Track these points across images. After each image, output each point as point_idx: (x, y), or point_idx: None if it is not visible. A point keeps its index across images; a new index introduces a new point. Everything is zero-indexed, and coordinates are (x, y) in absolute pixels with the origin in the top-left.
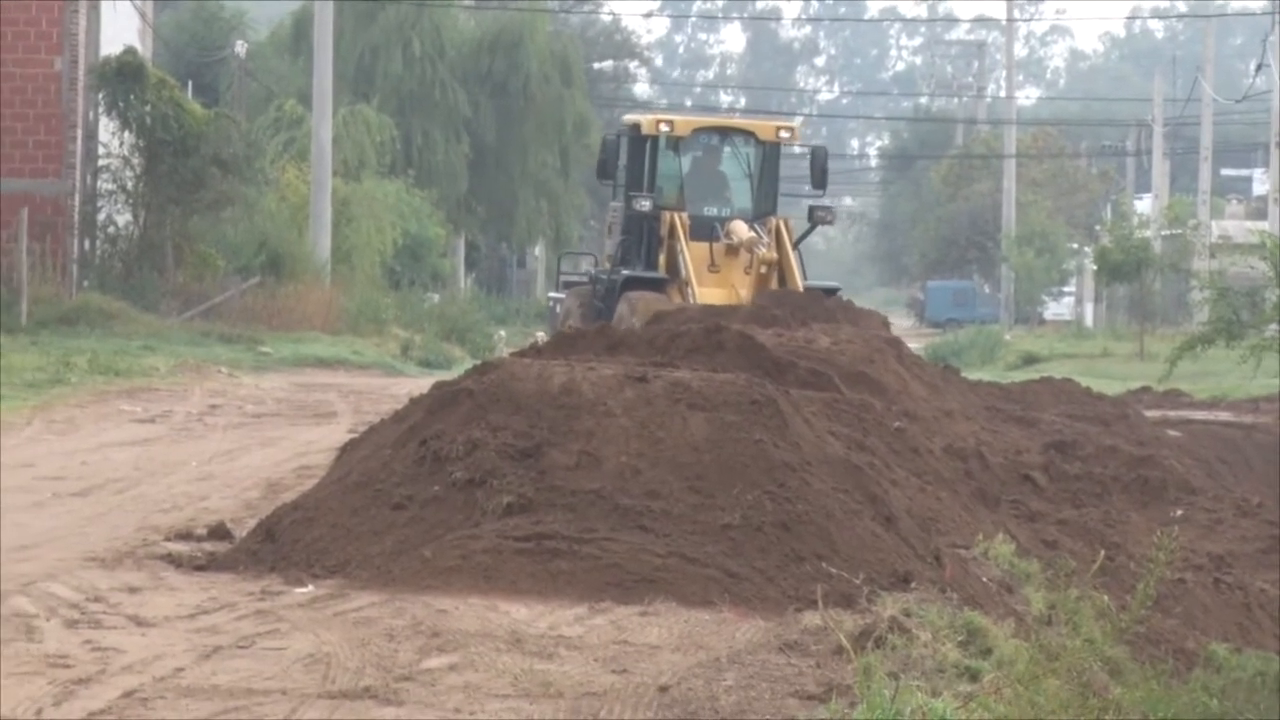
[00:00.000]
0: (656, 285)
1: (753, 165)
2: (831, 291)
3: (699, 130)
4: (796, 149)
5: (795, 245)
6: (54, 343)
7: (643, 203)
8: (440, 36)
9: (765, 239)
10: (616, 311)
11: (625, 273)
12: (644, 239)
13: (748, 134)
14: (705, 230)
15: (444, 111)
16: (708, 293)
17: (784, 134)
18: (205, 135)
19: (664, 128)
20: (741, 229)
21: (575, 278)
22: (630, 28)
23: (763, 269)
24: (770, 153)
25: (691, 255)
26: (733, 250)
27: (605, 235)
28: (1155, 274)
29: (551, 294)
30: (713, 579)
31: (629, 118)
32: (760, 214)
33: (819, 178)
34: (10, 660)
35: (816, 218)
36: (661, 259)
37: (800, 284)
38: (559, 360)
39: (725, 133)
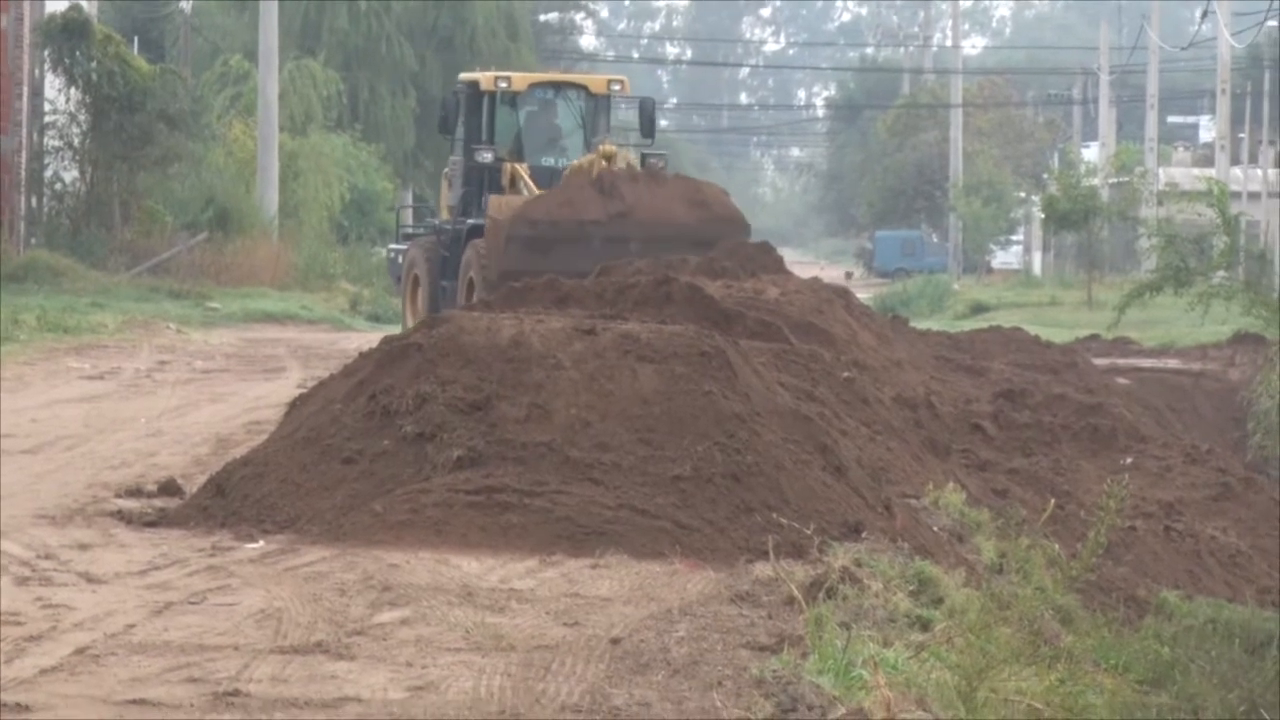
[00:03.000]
0: None
1: (586, 117)
2: None
3: (534, 85)
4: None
5: None
6: (2, 300)
7: (484, 155)
8: None
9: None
10: (463, 258)
11: (470, 221)
12: (485, 189)
13: (580, 87)
14: (544, 180)
15: (390, 66)
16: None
17: (615, 86)
18: (151, 91)
19: (501, 84)
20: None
21: (416, 230)
22: None
23: (604, 162)
24: (602, 105)
25: None
26: None
27: (444, 188)
28: (1103, 222)
29: (391, 246)
30: (663, 531)
31: (466, 75)
32: None
33: (647, 127)
34: None
35: (648, 166)
36: None
37: None
38: (508, 314)
39: (559, 87)
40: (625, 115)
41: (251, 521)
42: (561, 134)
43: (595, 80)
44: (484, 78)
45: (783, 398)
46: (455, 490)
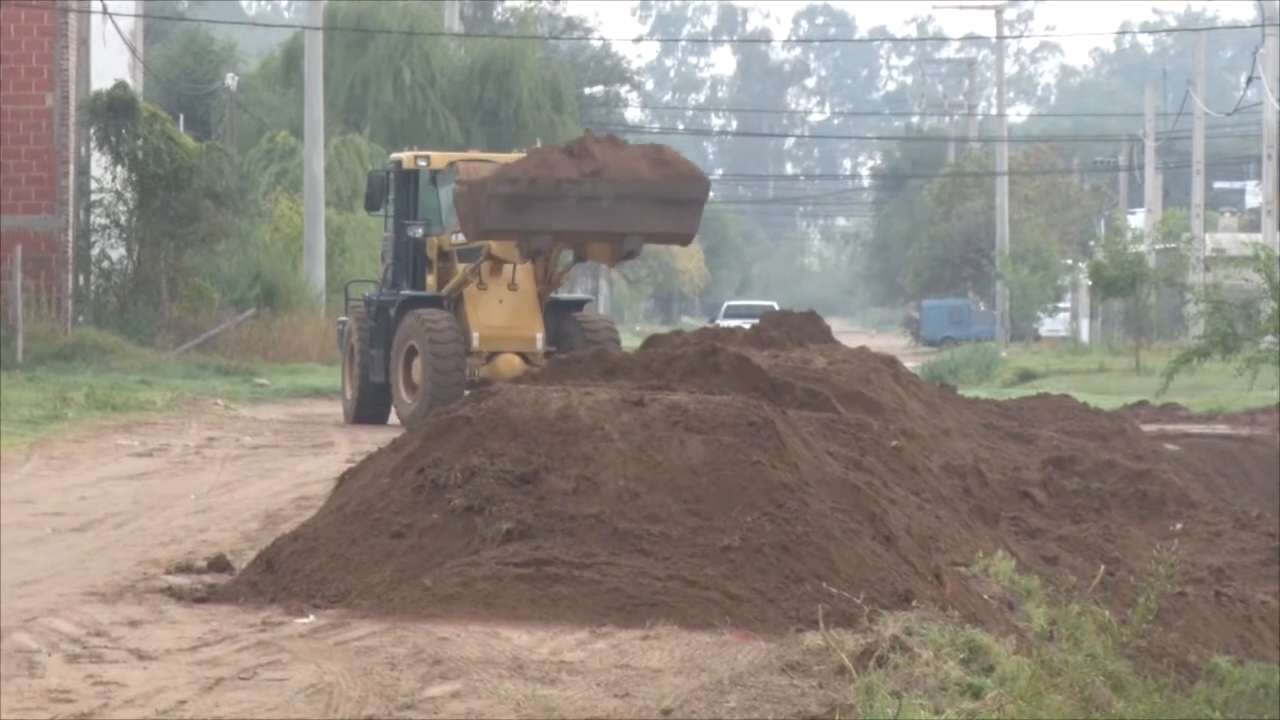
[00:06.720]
0: (434, 303)
1: None
2: (580, 304)
3: (452, 163)
4: None
5: None
6: (50, 379)
7: (415, 230)
8: (430, 65)
9: None
10: (403, 325)
11: (404, 293)
12: (412, 262)
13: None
14: (466, 254)
15: (435, 139)
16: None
17: None
18: (198, 168)
19: (421, 162)
20: None
21: (357, 303)
22: (620, 53)
23: None
24: None
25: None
26: (495, 268)
27: (379, 262)
28: (1150, 288)
29: (341, 318)
30: (713, 601)
31: (395, 155)
32: None
33: None
34: (12, 696)
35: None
36: (430, 279)
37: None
38: (555, 386)
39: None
40: None
41: (301, 596)
42: None
43: (509, 158)
44: (406, 157)
45: (831, 467)
46: (504, 563)
